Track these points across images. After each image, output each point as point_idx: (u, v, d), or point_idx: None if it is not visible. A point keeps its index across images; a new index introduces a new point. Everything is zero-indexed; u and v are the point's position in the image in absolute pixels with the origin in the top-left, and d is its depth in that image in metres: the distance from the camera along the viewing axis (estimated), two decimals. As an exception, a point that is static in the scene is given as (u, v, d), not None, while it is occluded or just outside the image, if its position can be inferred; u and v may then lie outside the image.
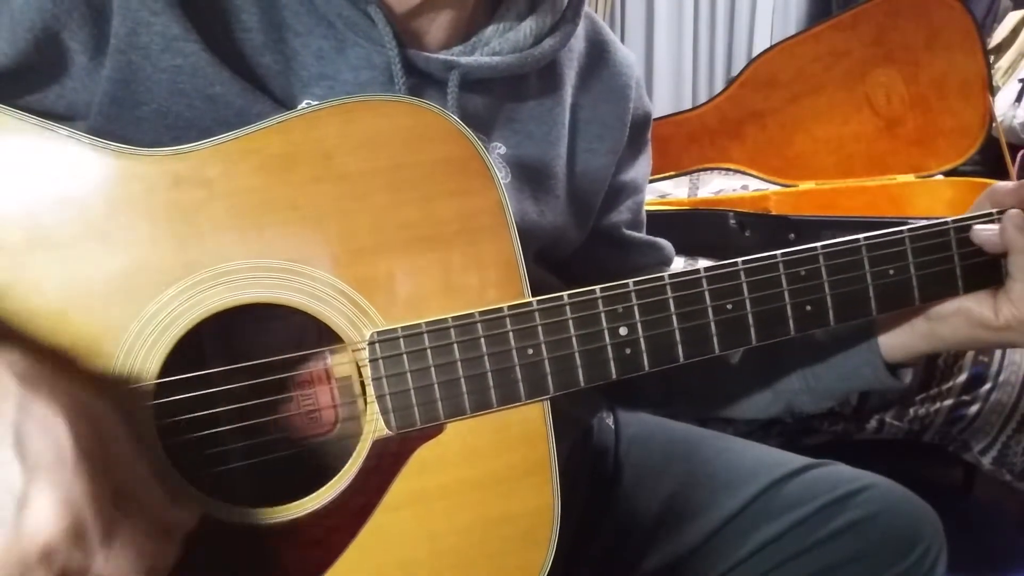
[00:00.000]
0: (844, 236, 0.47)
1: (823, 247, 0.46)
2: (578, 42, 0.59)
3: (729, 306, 0.45)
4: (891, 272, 0.47)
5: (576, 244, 0.62)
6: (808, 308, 0.46)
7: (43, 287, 0.38)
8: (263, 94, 0.46)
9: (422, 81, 0.50)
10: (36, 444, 0.31)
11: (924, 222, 0.48)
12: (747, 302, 0.45)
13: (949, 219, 0.48)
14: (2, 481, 0.30)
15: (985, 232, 0.48)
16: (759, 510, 0.60)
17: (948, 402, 1.14)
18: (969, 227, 0.48)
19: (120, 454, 0.34)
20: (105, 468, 0.33)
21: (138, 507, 0.34)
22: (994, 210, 0.49)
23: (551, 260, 0.59)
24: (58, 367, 0.34)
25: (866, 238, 0.47)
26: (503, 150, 0.54)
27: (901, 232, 0.47)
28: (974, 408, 1.13)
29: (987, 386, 1.12)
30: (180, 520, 0.36)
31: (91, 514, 0.31)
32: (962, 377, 1.13)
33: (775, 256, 0.45)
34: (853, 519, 0.59)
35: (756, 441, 0.68)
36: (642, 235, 0.67)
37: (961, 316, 0.50)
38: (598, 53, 0.61)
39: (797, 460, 0.64)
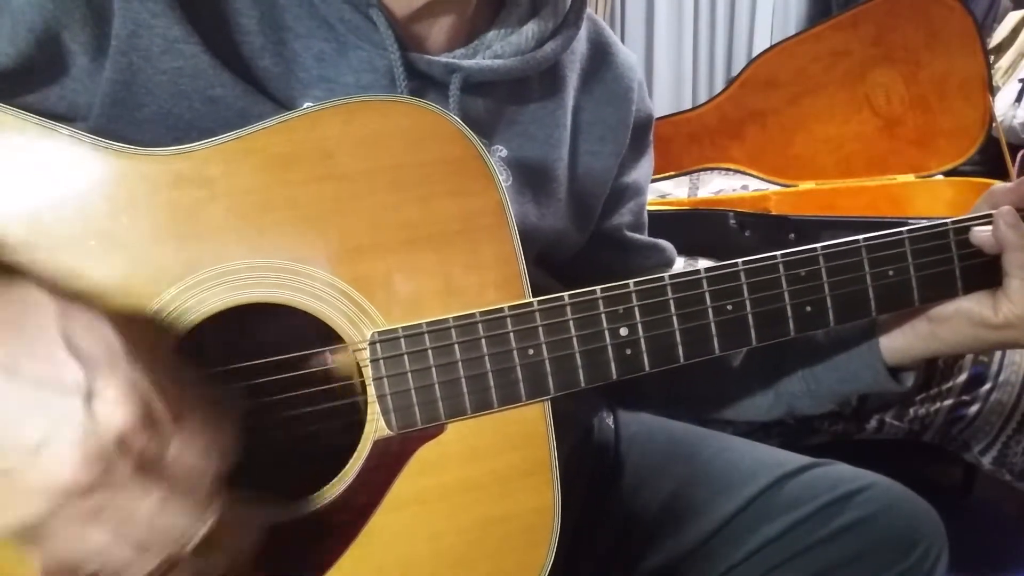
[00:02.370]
0: (844, 236, 0.47)
1: (823, 248, 0.46)
2: (580, 44, 0.59)
3: (729, 307, 0.45)
4: (891, 273, 0.47)
5: (577, 247, 0.62)
6: (808, 309, 0.46)
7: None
8: (264, 96, 0.46)
9: (424, 84, 0.50)
10: (87, 343, 0.32)
11: (924, 223, 0.48)
12: (747, 303, 0.45)
13: (948, 220, 0.48)
14: (65, 381, 0.31)
15: (982, 233, 0.48)
16: (759, 510, 0.60)
17: (948, 402, 1.14)
18: (968, 228, 0.49)
19: (160, 354, 0.34)
20: (156, 360, 0.33)
21: (195, 395, 0.34)
22: (993, 211, 0.49)
23: (552, 263, 0.59)
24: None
25: (866, 239, 0.47)
26: (504, 153, 0.54)
27: (901, 233, 0.47)
28: (974, 408, 1.13)
29: (987, 386, 1.12)
30: (233, 408, 0.36)
31: (156, 398, 0.32)
32: (962, 377, 1.13)
33: (775, 257, 0.45)
34: (854, 519, 0.58)
35: (756, 441, 0.68)
36: (644, 237, 0.67)
37: (961, 317, 0.50)
38: (600, 56, 0.61)
39: (797, 460, 0.64)
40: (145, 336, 0.35)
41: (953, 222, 0.48)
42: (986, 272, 0.49)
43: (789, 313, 0.46)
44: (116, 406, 0.31)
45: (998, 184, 0.51)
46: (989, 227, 0.48)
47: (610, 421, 0.69)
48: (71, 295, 0.33)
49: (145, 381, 0.32)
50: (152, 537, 0.32)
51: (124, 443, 0.31)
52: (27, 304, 0.32)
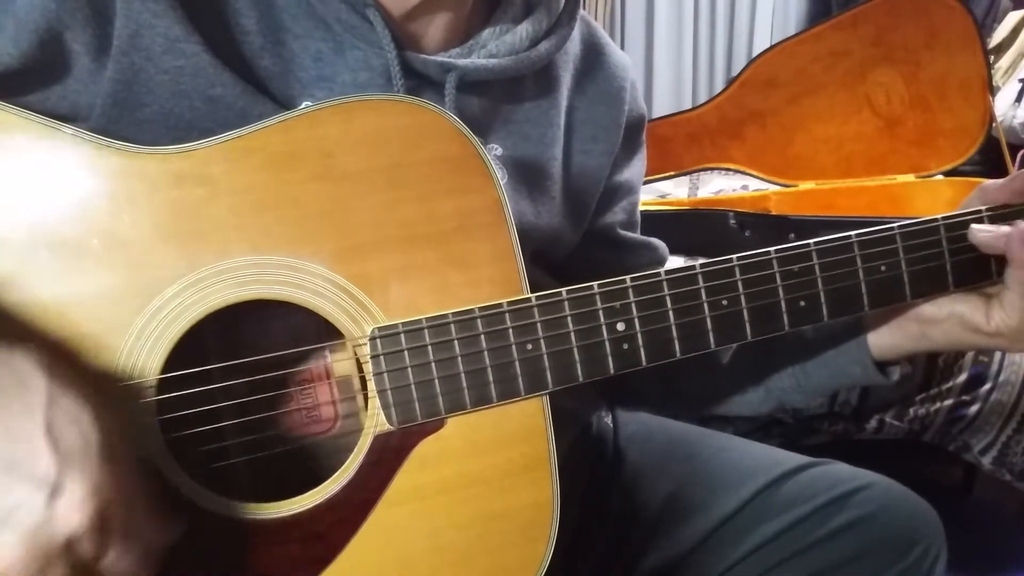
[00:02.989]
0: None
1: (816, 243, 0.46)
2: (573, 45, 0.60)
3: (724, 302, 0.45)
4: (883, 268, 0.48)
5: (572, 245, 0.62)
6: (802, 303, 0.46)
7: (47, 284, 0.38)
8: (264, 96, 0.46)
9: (420, 83, 0.50)
10: (66, 435, 0.32)
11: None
12: (742, 298, 0.45)
13: (939, 217, 0.49)
14: (36, 471, 0.31)
15: (983, 233, 0.48)
16: (758, 509, 0.61)
17: (948, 402, 1.14)
18: (959, 224, 0.49)
19: (128, 452, 0.35)
20: (125, 463, 0.34)
21: (146, 505, 0.35)
22: (983, 208, 0.49)
23: (547, 261, 0.59)
24: (71, 365, 0.35)
25: (858, 235, 0.47)
26: (499, 151, 0.54)
27: (892, 229, 0.48)
28: (974, 408, 1.13)
29: (987, 386, 1.12)
30: (173, 529, 0.37)
31: (115, 507, 0.32)
32: (962, 377, 1.13)
33: (769, 253, 0.46)
34: (852, 518, 0.59)
35: (756, 441, 0.68)
36: (637, 235, 0.68)
37: (954, 320, 0.50)
38: (593, 56, 0.61)
39: (796, 459, 0.64)
40: (120, 428, 0.35)
41: (944, 218, 0.49)
42: (977, 267, 0.49)
43: (783, 308, 0.46)
44: (76, 508, 0.31)
45: (990, 180, 0.51)
46: (989, 226, 0.48)
47: (609, 420, 0.69)
48: (65, 375, 0.33)
49: (110, 487, 0.32)
50: None
51: (71, 545, 0.31)
52: (21, 379, 0.33)
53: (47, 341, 0.37)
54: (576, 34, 0.59)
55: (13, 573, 0.30)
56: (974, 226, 0.49)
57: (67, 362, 0.35)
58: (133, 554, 0.33)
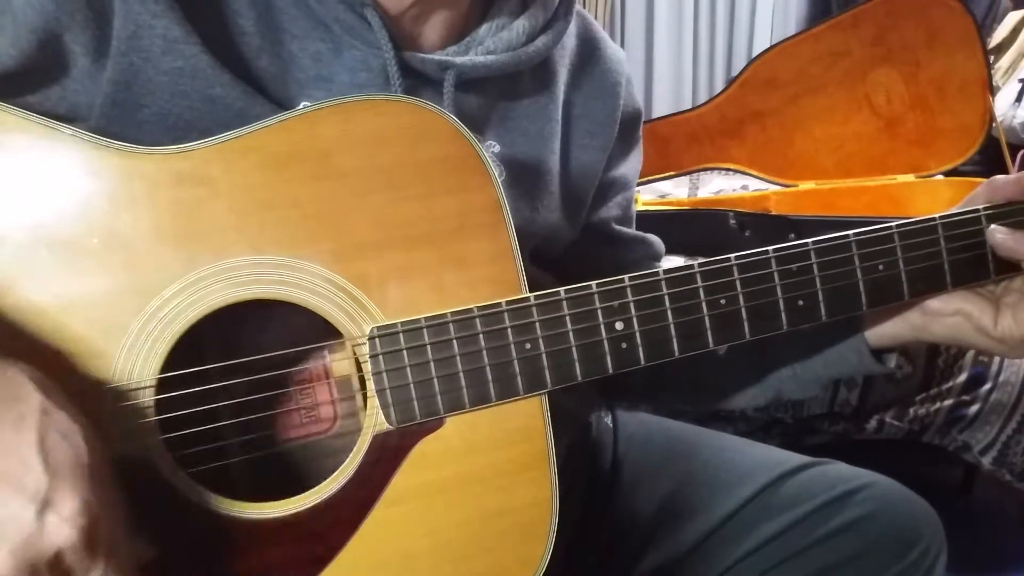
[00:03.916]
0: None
1: (814, 243, 0.46)
2: (570, 40, 0.60)
3: (723, 301, 0.45)
4: (881, 267, 0.48)
5: (569, 241, 0.62)
6: (800, 303, 0.46)
7: (46, 284, 0.38)
8: (262, 96, 0.46)
9: (418, 82, 0.50)
10: (58, 450, 0.32)
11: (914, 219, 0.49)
12: (740, 297, 0.46)
13: (937, 216, 0.49)
14: (27, 485, 0.31)
15: (999, 235, 0.48)
16: (758, 509, 0.61)
17: (948, 402, 1.14)
18: (956, 223, 0.49)
19: (110, 471, 0.35)
20: (112, 480, 0.34)
21: (128, 522, 0.35)
22: (981, 207, 0.49)
23: (545, 259, 0.59)
24: (66, 375, 0.35)
25: (856, 234, 0.47)
26: (497, 148, 0.54)
27: (890, 228, 0.48)
28: (974, 408, 1.13)
29: (987, 386, 1.12)
30: (144, 552, 0.37)
31: (104, 522, 0.32)
32: (962, 377, 1.13)
33: (767, 252, 0.46)
34: (852, 518, 0.59)
35: (756, 441, 0.68)
36: (632, 231, 0.68)
37: (960, 317, 0.50)
38: (589, 51, 0.61)
39: (796, 459, 0.64)
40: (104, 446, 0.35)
41: (942, 217, 0.49)
42: (975, 267, 0.49)
43: (781, 307, 0.46)
44: (65, 523, 0.31)
45: (1001, 175, 0.51)
46: (1009, 231, 0.48)
47: (608, 420, 0.69)
48: (59, 391, 0.34)
49: (100, 503, 0.32)
50: None
51: (58, 560, 0.31)
52: (14, 391, 0.33)
53: (43, 350, 0.37)
54: (572, 29, 0.59)
55: None
56: (993, 226, 0.49)
57: (62, 373, 0.35)
58: (118, 571, 0.33)
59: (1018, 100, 2.03)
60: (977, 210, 0.49)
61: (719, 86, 2.68)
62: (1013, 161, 1.44)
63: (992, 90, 1.46)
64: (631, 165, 0.66)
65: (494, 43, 0.52)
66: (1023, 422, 1.13)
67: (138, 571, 0.35)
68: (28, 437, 0.32)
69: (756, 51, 2.75)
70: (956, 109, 1.47)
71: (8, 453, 0.31)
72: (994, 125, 1.45)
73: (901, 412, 1.16)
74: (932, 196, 1.50)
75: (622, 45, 2.61)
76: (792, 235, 1.20)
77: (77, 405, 0.35)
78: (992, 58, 2.11)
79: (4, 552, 0.30)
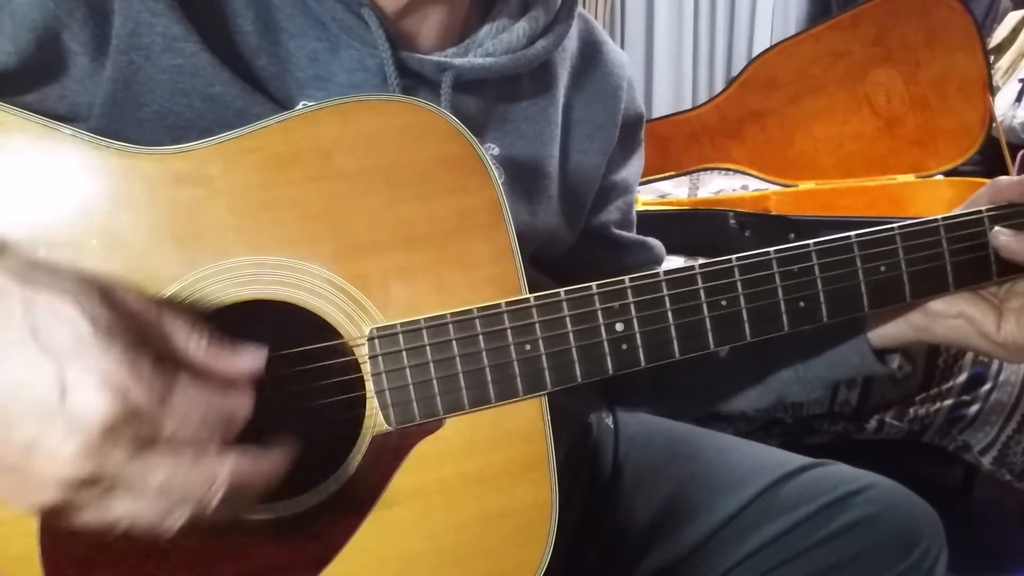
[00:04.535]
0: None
1: (816, 244, 0.46)
2: (571, 42, 0.60)
3: (724, 302, 0.45)
4: (883, 269, 0.47)
5: (569, 245, 0.62)
6: (801, 304, 0.46)
7: (45, 284, 0.38)
8: (262, 95, 0.46)
9: (415, 82, 0.50)
10: (53, 333, 0.31)
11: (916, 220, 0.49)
12: (741, 298, 0.45)
13: (939, 217, 0.48)
14: (38, 377, 0.30)
15: (1003, 236, 0.48)
16: (759, 510, 0.61)
17: (948, 402, 1.14)
18: (959, 225, 0.49)
19: (140, 318, 0.34)
20: (128, 335, 0.32)
21: (182, 362, 0.34)
22: (983, 208, 0.49)
23: (545, 262, 0.59)
24: (49, 262, 0.34)
25: (858, 235, 0.47)
26: (496, 151, 0.54)
27: (892, 229, 0.48)
28: (974, 408, 1.13)
29: (987, 386, 1.12)
30: (242, 365, 0.36)
31: (132, 382, 0.31)
32: (962, 377, 1.13)
33: (768, 253, 0.46)
34: (853, 519, 0.59)
35: (756, 441, 0.68)
36: (632, 235, 0.67)
37: (962, 320, 0.50)
38: (591, 53, 0.61)
39: (797, 460, 0.64)
40: (122, 304, 0.34)
41: (943, 218, 0.48)
42: (977, 268, 0.49)
43: (783, 308, 0.46)
44: (91, 399, 0.30)
45: (1004, 176, 0.51)
46: (1012, 233, 0.48)
47: (609, 421, 0.69)
48: (35, 270, 0.32)
49: (118, 367, 0.31)
50: (171, 499, 0.32)
51: (111, 433, 0.31)
52: None
53: (20, 249, 0.36)
54: (574, 31, 0.59)
55: (81, 474, 0.30)
56: (997, 228, 0.48)
57: (40, 261, 0.34)
58: (193, 416, 0.32)
59: (1018, 100, 2.03)
60: (980, 211, 0.49)
61: (719, 86, 2.68)
62: (1013, 161, 1.44)
63: (992, 90, 1.46)
64: (632, 169, 0.66)
65: (494, 45, 0.52)
66: (1023, 422, 1.13)
67: (235, 397, 0.34)
68: (20, 335, 0.31)
69: (756, 51, 2.75)
70: (956, 109, 1.47)
71: (8, 360, 0.31)
72: (994, 125, 1.45)
73: (901, 412, 1.16)
74: (932, 196, 1.50)
75: (622, 45, 2.61)
76: (792, 235, 1.20)
77: (74, 272, 0.33)
78: (992, 58, 2.11)
79: (60, 448, 0.30)
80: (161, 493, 0.32)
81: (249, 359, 0.36)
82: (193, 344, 0.35)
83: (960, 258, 0.49)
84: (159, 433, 0.32)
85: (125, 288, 0.35)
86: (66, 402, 0.30)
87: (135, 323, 0.34)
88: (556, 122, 0.58)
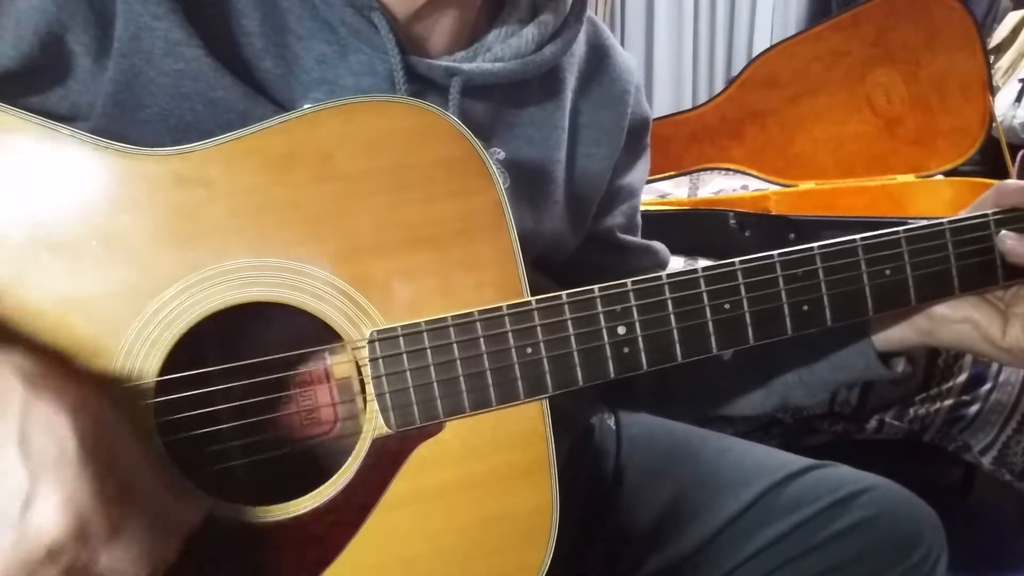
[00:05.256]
0: (843, 236, 0.47)
1: (820, 247, 0.46)
2: (579, 47, 0.59)
3: (727, 306, 0.45)
4: (887, 272, 0.47)
5: (573, 249, 0.62)
6: (805, 308, 0.46)
7: (45, 286, 0.38)
8: (265, 98, 0.46)
9: (424, 87, 0.50)
10: (40, 443, 0.31)
11: (921, 222, 0.49)
12: (744, 302, 0.45)
13: (944, 220, 0.48)
14: (8, 481, 0.31)
15: (1010, 240, 0.48)
16: (761, 512, 0.61)
17: (948, 402, 1.14)
18: (964, 228, 0.49)
19: (123, 451, 0.34)
20: (108, 465, 0.33)
21: (142, 503, 0.34)
22: (989, 212, 0.49)
23: (550, 266, 0.59)
24: (60, 366, 0.35)
25: (863, 238, 0.47)
26: (502, 155, 0.54)
27: (897, 233, 0.47)
28: (974, 408, 1.13)
29: (987, 386, 1.12)
30: (184, 517, 0.37)
31: (94, 512, 0.32)
32: (962, 377, 1.13)
33: (772, 256, 0.46)
34: (854, 521, 0.59)
35: (756, 441, 0.68)
36: (637, 239, 0.67)
37: (968, 325, 0.50)
38: (599, 58, 0.61)
39: (798, 461, 0.64)
40: (111, 414, 0.34)
41: (949, 222, 0.48)
42: (983, 273, 0.49)
43: (786, 312, 0.46)
44: (50, 518, 0.31)
45: (1010, 180, 0.51)
46: (1019, 237, 0.48)
47: (611, 423, 0.69)
48: (42, 375, 0.33)
49: (87, 493, 0.32)
50: None
51: (52, 554, 0.31)
52: None
53: (33, 344, 0.37)
54: (582, 36, 0.58)
55: None
56: (1004, 232, 0.48)
57: (56, 365, 0.34)
58: (129, 557, 0.33)
59: (1018, 100, 2.03)
60: (986, 215, 0.49)
61: (719, 86, 2.68)
62: (1013, 161, 1.44)
63: (992, 90, 1.46)
64: (638, 173, 0.66)
65: (502, 50, 0.52)
66: (1023, 422, 1.13)
67: (169, 544, 0.35)
68: (9, 434, 0.31)
69: (756, 51, 2.74)
70: (956, 109, 1.47)
71: None
72: (994, 125, 1.45)
73: (901, 412, 1.16)
74: (932, 196, 1.50)
75: (622, 45, 2.60)
76: (792, 235, 1.20)
77: (83, 388, 0.34)
78: (992, 58, 2.11)
79: (1, 559, 0.30)
80: None
81: (191, 513, 0.37)
82: (160, 490, 0.36)
83: (966, 262, 0.48)
84: (94, 565, 0.32)
85: (120, 417, 0.35)
86: (26, 515, 0.31)
87: (115, 449, 0.34)
88: (563, 127, 0.57)
